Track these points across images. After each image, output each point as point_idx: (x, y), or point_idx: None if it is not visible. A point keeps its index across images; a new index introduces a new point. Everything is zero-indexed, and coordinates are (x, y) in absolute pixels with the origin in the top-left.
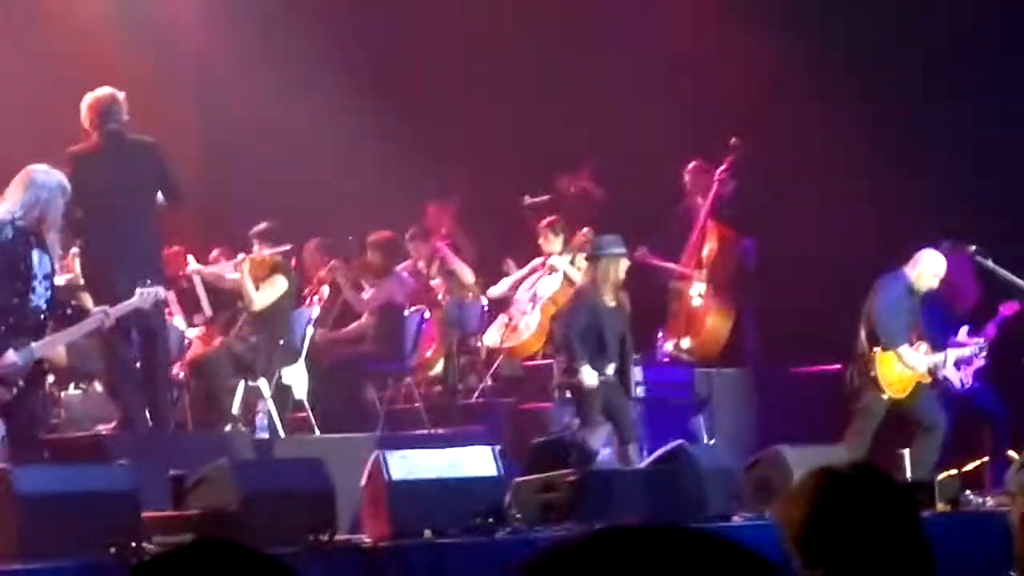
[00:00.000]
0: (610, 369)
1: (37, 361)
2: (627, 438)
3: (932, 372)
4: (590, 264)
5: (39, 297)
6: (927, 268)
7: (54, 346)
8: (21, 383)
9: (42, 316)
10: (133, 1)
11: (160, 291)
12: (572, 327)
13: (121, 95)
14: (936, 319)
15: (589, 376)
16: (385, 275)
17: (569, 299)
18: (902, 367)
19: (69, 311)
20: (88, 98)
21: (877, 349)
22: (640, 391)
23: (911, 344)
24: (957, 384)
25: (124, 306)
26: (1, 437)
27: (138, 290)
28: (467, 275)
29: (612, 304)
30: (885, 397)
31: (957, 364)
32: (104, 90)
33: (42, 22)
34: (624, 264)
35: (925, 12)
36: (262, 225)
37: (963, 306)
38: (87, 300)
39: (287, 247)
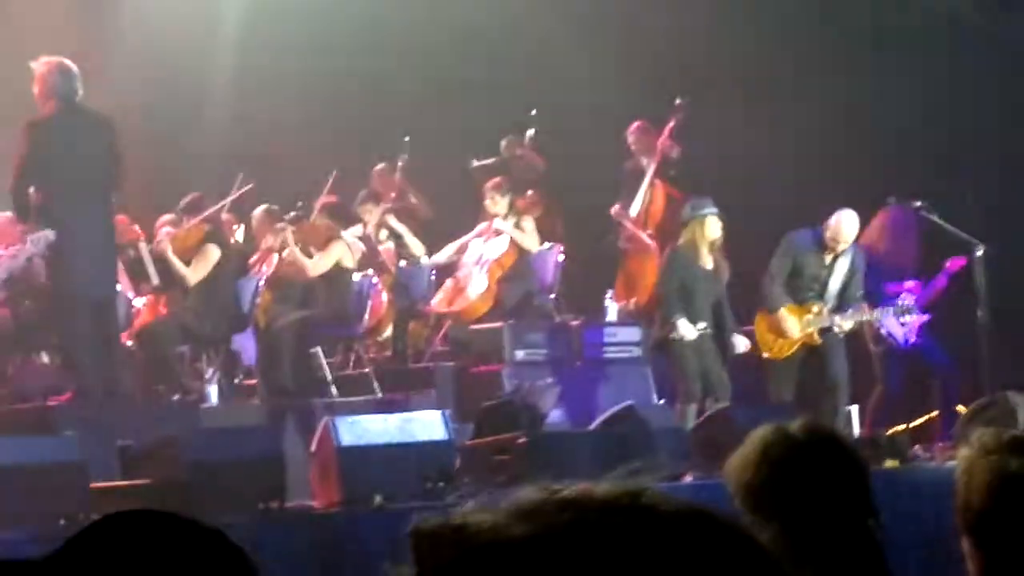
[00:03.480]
0: (700, 328)
1: None
2: (719, 397)
3: (827, 329)
4: (686, 225)
5: None
6: (839, 227)
7: None
8: None
9: None
10: None
11: (49, 234)
12: (665, 285)
13: (74, 66)
14: (876, 274)
15: (686, 328)
16: (333, 240)
17: (665, 258)
18: (778, 331)
19: None
20: (39, 66)
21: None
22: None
23: (803, 304)
24: (900, 340)
25: (16, 255)
26: None
27: (28, 237)
28: (416, 247)
29: (709, 267)
30: (765, 356)
31: (898, 319)
32: (55, 58)
33: None
34: (716, 223)
35: None
36: (188, 197)
37: (905, 261)
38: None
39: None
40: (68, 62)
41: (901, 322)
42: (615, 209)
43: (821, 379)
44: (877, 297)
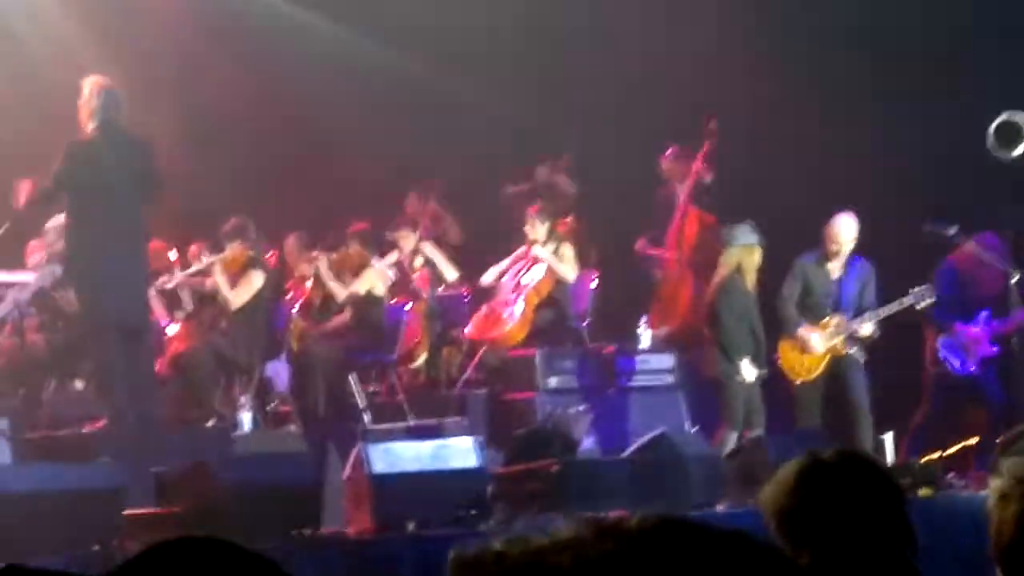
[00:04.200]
0: (758, 364)
1: None
2: (754, 424)
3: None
4: (729, 253)
5: None
6: (836, 230)
7: None
8: None
9: None
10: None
11: (56, 269)
12: (724, 320)
13: (116, 88)
14: (960, 303)
15: (748, 372)
16: (365, 267)
17: (714, 289)
18: (803, 349)
19: None
20: (89, 83)
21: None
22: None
23: (821, 321)
24: (958, 366)
25: (27, 289)
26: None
27: (35, 271)
28: (449, 272)
29: (752, 291)
30: (799, 383)
31: (953, 347)
32: (100, 78)
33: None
34: (758, 251)
35: None
36: (232, 222)
37: (991, 290)
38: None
39: (257, 240)
40: (110, 84)
41: (957, 349)
42: (640, 243)
43: (845, 406)
44: (948, 329)
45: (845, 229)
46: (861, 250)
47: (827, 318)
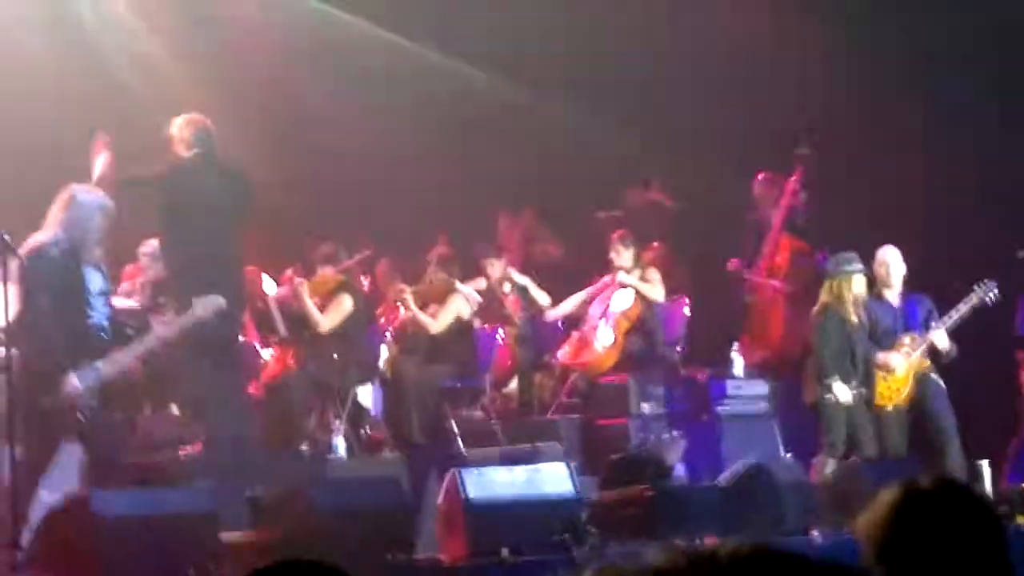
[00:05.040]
0: (855, 386)
1: (110, 382)
2: (862, 450)
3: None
4: (829, 282)
5: (98, 314)
6: (884, 260)
7: (120, 364)
8: (94, 405)
9: (103, 335)
10: (200, 29)
11: (220, 300)
12: (820, 346)
13: (211, 126)
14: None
15: (841, 391)
16: (450, 294)
17: (815, 316)
18: (885, 375)
19: (129, 331)
20: (182, 118)
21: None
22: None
23: (886, 346)
24: None
25: (184, 320)
26: (79, 461)
27: (195, 300)
28: (541, 297)
29: (856, 321)
30: (890, 408)
31: None
32: (192, 116)
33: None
34: (862, 280)
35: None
36: (324, 247)
37: None
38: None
39: (349, 262)
40: (206, 121)
41: None
42: (733, 263)
43: (932, 432)
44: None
45: (891, 258)
46: (921, 283)
47: (899, 340)
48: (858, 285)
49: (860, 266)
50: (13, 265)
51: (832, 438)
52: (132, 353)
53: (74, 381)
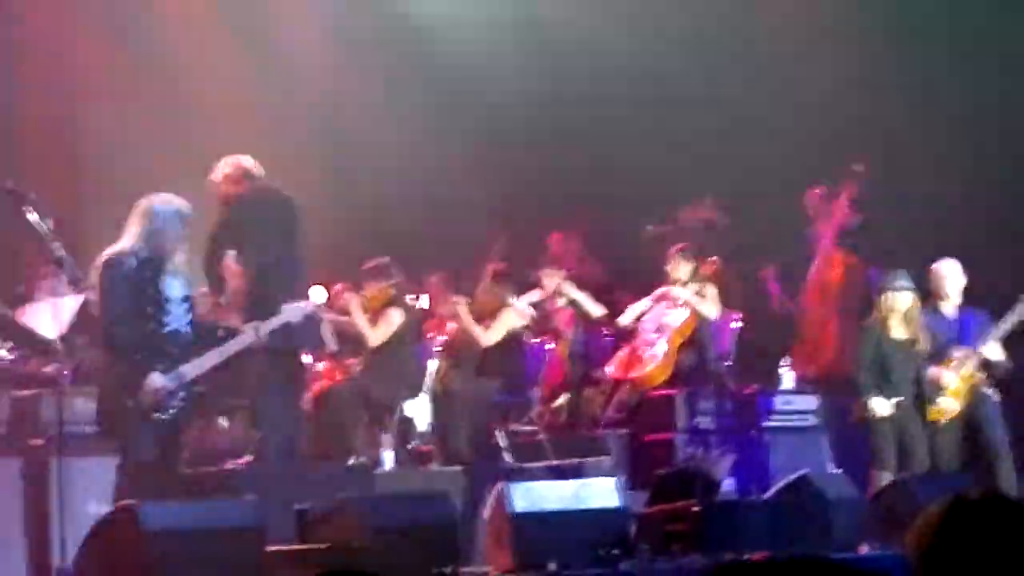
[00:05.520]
0: (896, 401)
1: (193, 384)
2: (912, 467)
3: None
4: (880, 298)
5: (177, 320)
6: (939, 274)
7: (205, 366)
8: (178, 405)
9: (184, 340)
10: (257, 39)
11: (308, 304)
12: (859, 361)
13: (255, 167)
14: None
15: (879, 405)
16: (503, 309)
17: (859, 332)
18: (937, 390)
19: (221, 332)
20: (232, 160)
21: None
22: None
23: (941, 360)
24: None
25: (274, 321)
26: (119, 466)
27: (283, 306)
28: (595, 310)
29: (903, 337)
30: (943, 423)
31: None
32: (236, 162)
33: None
34: (908, 297)
35: None
36: (372, 262)
37: None
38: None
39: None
40: (249, 164)
41: None
42: (765, 271)
43: (983, 446)
44: None
45: (949, 272)
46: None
47: (950, 354)
48: (903, 302)
49: (909, 283)
50: (64, 278)
51: (879, 454)
52: (219, 356)
53: (158, 380)
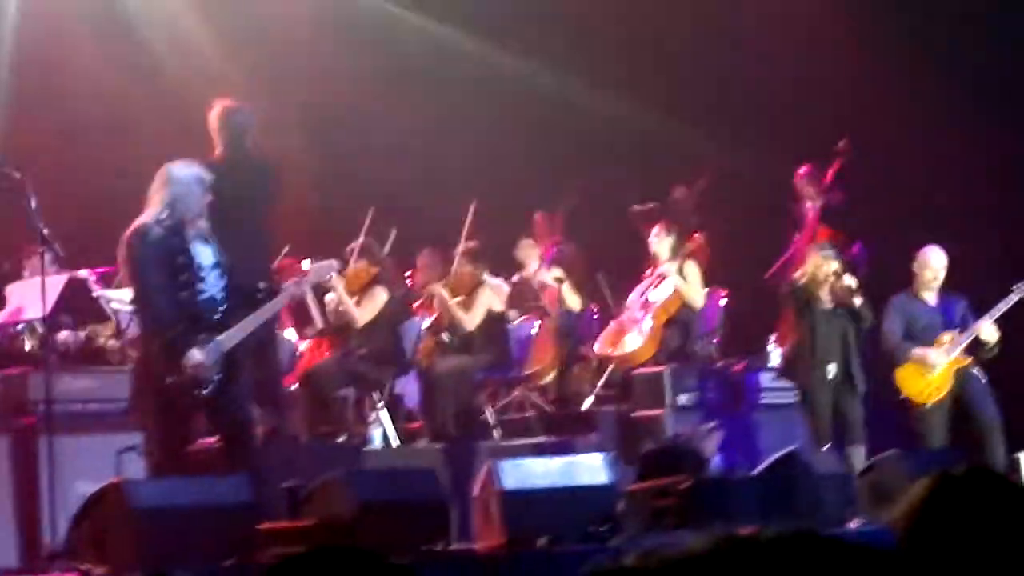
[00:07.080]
0: (828, 369)
1: (230, 354)
2: (851, 439)
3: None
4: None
5: (212, 287)
6: (925, 259)
7: (245, 331)
8: (217, 377)
9: (221, 307)
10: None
11: (334, 263)
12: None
13: (243, 107)
14: None
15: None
16: (478, 287)
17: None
18: (924, 372)
19: (260, 294)
20: (215, 109)
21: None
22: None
23: (932, 343)
24: None
25: (311, 277)
26: (116, 452)
27: (312, 265)
28: (572, 300)
29: (828, 306)
30: (929, 406)
31: None
32: (228, 102)
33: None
34: (831, 265)
35: None
36: (358, 241)
37: None
38: None
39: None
40: (236, 105)
41: None
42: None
43: (973, 424)
44: None
45: (935, 259)
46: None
47: (939, 337)
48: (826, 270)
49: (827, 251)
50: (48, 258)
51: (816, 424)
52: (259, 319)
53: (197, 356)
